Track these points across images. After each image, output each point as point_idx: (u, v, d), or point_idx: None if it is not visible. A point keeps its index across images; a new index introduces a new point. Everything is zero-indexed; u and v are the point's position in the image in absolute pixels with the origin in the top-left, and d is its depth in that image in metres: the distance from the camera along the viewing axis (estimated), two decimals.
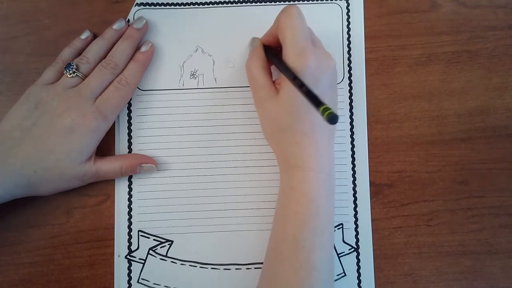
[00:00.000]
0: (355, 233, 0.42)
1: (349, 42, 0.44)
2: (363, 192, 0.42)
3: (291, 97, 0.36)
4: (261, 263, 0.41)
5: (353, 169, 0.43)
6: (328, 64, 0.37)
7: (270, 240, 0.38)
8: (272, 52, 0.39)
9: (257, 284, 0.38)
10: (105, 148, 0.42)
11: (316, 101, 0.31)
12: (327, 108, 0.29)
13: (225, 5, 0.44)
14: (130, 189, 0.42)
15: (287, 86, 0.36)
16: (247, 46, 0.43)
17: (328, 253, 0.37)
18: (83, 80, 0.39)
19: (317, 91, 0.35)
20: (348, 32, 0.44)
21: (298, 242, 0.35)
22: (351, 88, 0.43)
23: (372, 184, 0.43)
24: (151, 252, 0.41)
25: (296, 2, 0.44)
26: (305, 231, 0.35)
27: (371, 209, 0.42)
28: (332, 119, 0.29)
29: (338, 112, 0.41)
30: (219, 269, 0.41)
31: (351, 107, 0.43)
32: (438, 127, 0.43)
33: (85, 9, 0.44)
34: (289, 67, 0.35)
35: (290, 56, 0.35)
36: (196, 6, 0.44)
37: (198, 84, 0.43)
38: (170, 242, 0.41)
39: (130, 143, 0.42)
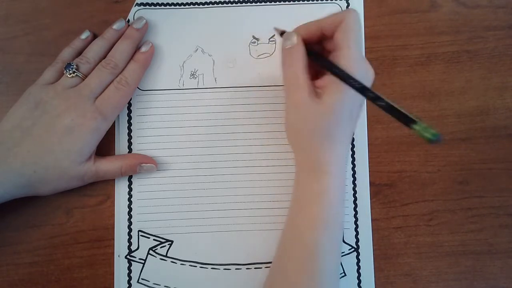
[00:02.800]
0: (355, 233, 0.42)
1: None
2: (363, 192, 0.42)
3: (338, 103, 0.34)
4: (261, 263, 0.41)
5: (353, 169, 0.43)
6: (371, 76, 0.36)
7: (281, 240, 0.38)
8: (315, 52, 0.36)
9: (265, 281, 0.38)
10: (105, 148, 0.42)
11: (407, 119, 0.27)
12: (427, 127, 0.25)
13: (225, 5, 0.44)
14: (130, 189, 0.42)
15: (335, 91, 0.34)
16: (282, 41, 0.37)
17: (338, 258, 0.37)
18: (83, 80, 0.39)
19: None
20: None
21: (312, 246, 0.35)
22: None
23: (372, 184, 0.43)
24: (151, 252, 0.41)
25: (296, 2, 0.44)
26: (321, 236, 0.35)
27: (371, 209, 0.42)
28: (437, 139, 0.25)
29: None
30: (219, 269, 0.41)
31: None
32: (438, 127, 0.43)
33: (85, 9, 0.44)
34: (353, 76, 0.33)
35: (345, 61, 0.33)
36: (196, 6, 0.44)
37: (198, 84, 0.43)
38: (170, 242, 0.41)
39: (130, 143, 0.42)
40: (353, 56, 0.34)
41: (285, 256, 0.37)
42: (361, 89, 0.32)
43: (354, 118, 0.36)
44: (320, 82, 0.36)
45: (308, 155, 0.37)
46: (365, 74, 0.34)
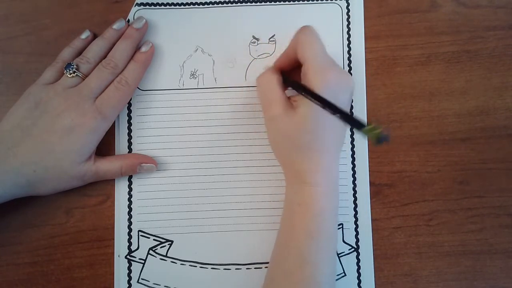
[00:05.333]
0: (355, 233, 0.42)
1: (349, 42, 0.44)
2: (363, 192, 0.42)
3: (311, 114, 0.35)
4: (261, 263, 0.41)
5: (353, 169, 0.43)
6: (348, 82, 0.36)
7: (273, 253, 0.38)
8: (288, 78, 0.39)
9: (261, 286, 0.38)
10: (105, 148, 0.42)
11: (356, 123, 0.28)
12: (374, 128, 0.27)
13: (225, 5, 0.44)
14: (130, 189, 0.42)
15: (307, 103, 0.35)
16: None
17: (332, 267, 0.37)
18: (83, 80, 0.39)
19: None
20: (348, 32, 0.44)
21: (303, 256, 0.35)
22: None
23: (372, 184, 0.43)
24: (151, 252, 0.41)
25: (296, 2, 0.44)
26: (310, 246, 0.35)
27: (371, 209, 0.42)
28: (383, 138, 0.26)
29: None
30: (219, 269, 0.41)
31: (351, 107, 0.43)
32: (438, 127, 0.43)
33: (85, 9, 0.44)
34: (312, 90, 0.34)
35: (311, 73, 0.35)
36: (196, 6, 0.44)
37: (198, 84, 0.43)
38: (170, 242, 0.41)
39: (130, 143, 0.42)
40: (312, 68, 0.35)
41: (275, 263, 0.38)
42: (317, 100, 0.33)
43: (334, 127, 0.36)
44: (295, 96, 0.38)
45: (289, 166, 0.38)
46: (331, 81, 0.35)
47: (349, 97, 0.37)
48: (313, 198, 0.36)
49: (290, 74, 0.39)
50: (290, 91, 0.39)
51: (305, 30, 0.37)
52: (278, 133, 0.38)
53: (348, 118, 0.30)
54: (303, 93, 0.35)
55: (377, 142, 0.26)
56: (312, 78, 0.35)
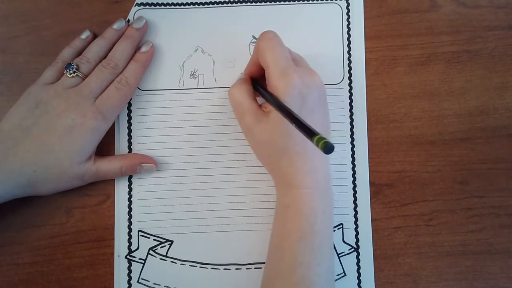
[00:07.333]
0: (355, 233, 0.42)
1: (349, 42, 0.44)
2: (363, 192, 0.42)
3: (282, 118, 0.35)
4: (261, 263, 0.41)
5: (353, 169, 0.43)
6: (313, 80, 0.37)
7: (267, 257, 0.38)
8: (258, 84, 0.39)
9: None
10: (105, 148, 0.42)
11: (308, 131, 0.29)
12: (322, 138, 0.28)
13: (225, 5, 0.44)
14: (130, 189, 0.42)
15: None
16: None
17: (327, 268, 0.37)
18: (83, 80, 0.39)
19: (306, 107, 0.35)
20: (348, 32, 0.44)
21: (295, 258, 0.35)
22: (351, 88, 0.43)
23: (372, 184, 0.43)
24: (151, 252, 0.41)
25: (296, 2, 0.44)
26: (302, 247, 0.35)
27: (371, 209, 0.42)
28: (328, 149, 0.27)
29: (333, 140, 0.41)
30: (219, 269, 0.41)
31: (351, 107, 0.43)
32: (438, 127, 0.43)
33: (85, 9, 0.44)
34: (276, 97, 0.35)
35: (274, 78, 0.35)
36: (196, 6, 0.44)
37: (198, 84, 0.43)
38: (170, 242, 0.41)
39: (130, 143, 0.42)
40: (274, 74, 0.35)
41: (270, 266, 0.37)
42: (280, 109, 0.34)
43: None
44: (266, 103, 0.38)
45: (274, 171, 0.39)
46: (294, 84, 0.35)
47: (318, 95, 0.37)
48: (302, 200, 0.36)
49: (263, 79, 0.38)
50: (261, 98, 0.39)
51: (264, 35, 0.37)
52: (256, 141, 0.39)
53: (301, 126, 0.30)
54: (268, 101, 0.36)
55: (324, 151, 0.27)
56: (275, 83, 0.35)
